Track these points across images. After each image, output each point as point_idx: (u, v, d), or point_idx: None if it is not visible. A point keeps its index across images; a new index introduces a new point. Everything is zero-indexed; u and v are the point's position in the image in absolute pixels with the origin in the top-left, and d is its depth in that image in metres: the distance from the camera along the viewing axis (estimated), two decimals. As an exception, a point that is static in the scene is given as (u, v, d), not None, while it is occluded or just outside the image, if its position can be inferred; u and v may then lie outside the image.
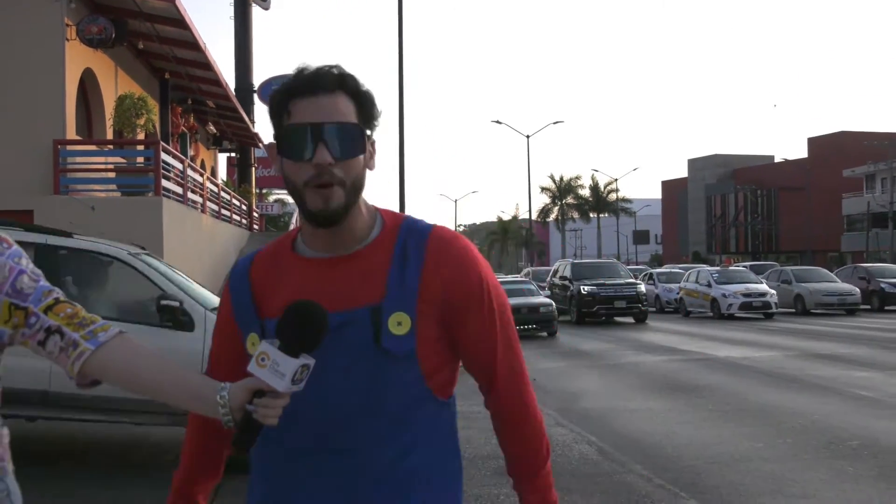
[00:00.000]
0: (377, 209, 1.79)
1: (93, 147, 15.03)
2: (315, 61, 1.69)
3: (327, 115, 1.63)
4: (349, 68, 1.72)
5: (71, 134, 13.84)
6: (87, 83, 15.22)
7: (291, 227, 22.32)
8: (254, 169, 27.96)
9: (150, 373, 1.66)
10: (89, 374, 1.68)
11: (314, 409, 1.66)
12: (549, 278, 28.83)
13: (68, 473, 6.58)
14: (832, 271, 32.38)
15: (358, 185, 1.68)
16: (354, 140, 1.66)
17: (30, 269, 1.71)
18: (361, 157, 1.68)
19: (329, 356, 1.64)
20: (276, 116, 1.68)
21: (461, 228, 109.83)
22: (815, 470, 6.68)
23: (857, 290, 28.05)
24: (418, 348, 1.68)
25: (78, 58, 14.06)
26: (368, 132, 1.70)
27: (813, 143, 74.74)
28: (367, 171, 1.72)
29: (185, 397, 1.63)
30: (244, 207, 24.74)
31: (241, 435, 1.55)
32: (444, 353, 1.74)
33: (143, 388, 1.68)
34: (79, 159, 14.19)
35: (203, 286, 7.48)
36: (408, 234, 1.74)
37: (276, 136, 1.69)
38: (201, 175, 18.04)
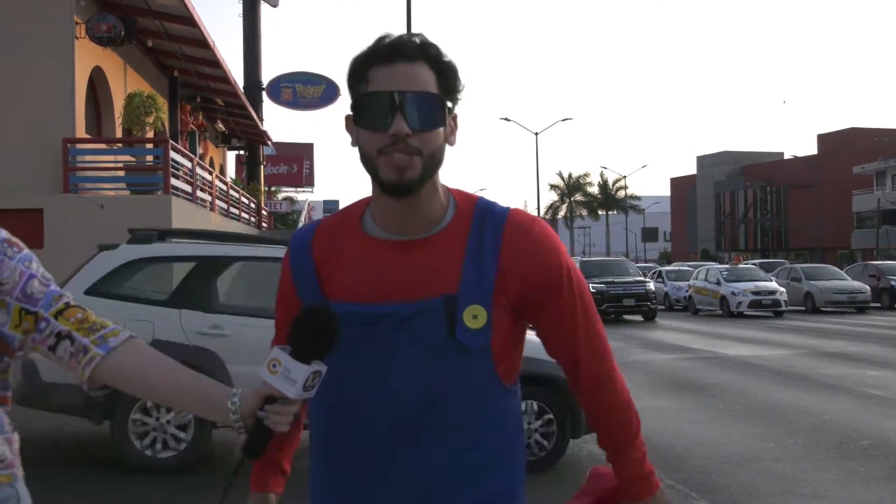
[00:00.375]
0: (449, 190, 1.72)
1: (102, 145, 15.07)
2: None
3: (406, 83, 1.56)
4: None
5: (80, 132, 13.88)
6: (97, 81, 15.26)
7: (300, 225, 22.35)
8: (262, 167, 28.01)
9: (161, 378, 1.65)
10: (100, 380, 1.67)
11: (382, 401, 1.63)
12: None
13: (80, 475, 6.59)
14: (842, 269, 32.29)
15: (437, 159, 1.60)
16: (434, 110, 1.58)
17: (40, 274, 1.70)
18: (441, 129, 1.60)
19: (399, 346, 1.61)
20: (353, 84, 1.62)
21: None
22: (826, 470, 6.65)
23: (868, 287, 27.98)
24: (492, 340, 1.63)
25: (87, 56, 14.10)
26: (450, 105, 1.62)
27: (823, 139, 74.49)
28: (448, 147, 1.64)
29: (195, 402, 1.62)
30: (253, 205, 24.78)
31: (252, 441, 1.54)
32: (513, 339, 1.70)
33: (154, 393, 1.68)
34: (88, 158, 14.23)
35: None
36: (483, 217, 1.66)
37: (352, 106, 1.62)
38: (210, 173, 18.07)
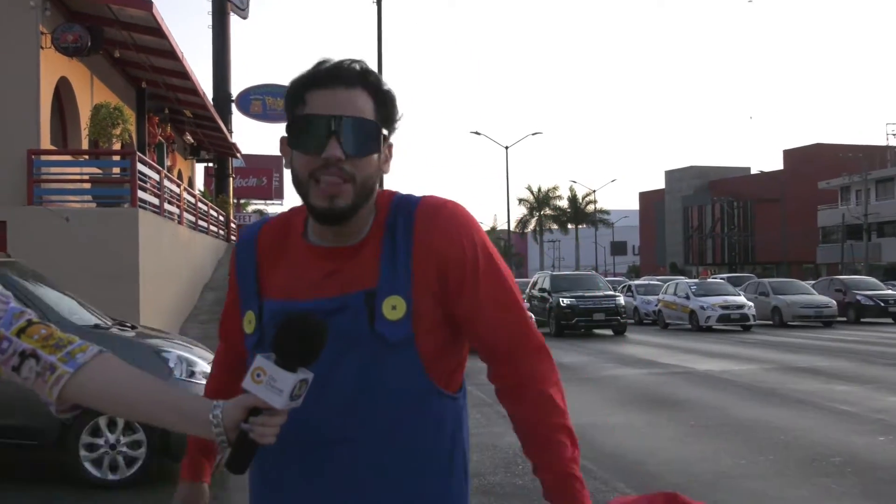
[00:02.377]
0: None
1: (67, 157, 14.81)
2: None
3: (344, 108, 1.56)
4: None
5: (45, 144, 13.64)
6: (63, 92, 15.03)
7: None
8: (231, 179, 27.79)
9: (136, 393, 1.57)
10: (69, 399, 1.58)
11: (309, 398, 1.55)
12: (527, 290, 28.76)
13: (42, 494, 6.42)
14: (808, 283, 32.59)
15: (369, 186, 1.60)
16: (369, 137, 1.58)
17: (-3, 292, 1.61)
18: (375, 156, 1.60)
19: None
20: (290, 106, 1.61)
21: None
22: (798, 487, 6.63)
23: (834, 302, 28.25)
24: (417, 334, 1.59)
25: (53, 66, 13.88)
26: (386, 133, 1.63)
27: (789, 155, 75.39)
28: (382, 175, 1.65)
29: (174, 417, 1.55)
30: (222, 218, 24.54)
31: (235, 455, 1.49)
32: (446, 338, 1.66)
33: (129, 409, 1.60)
34: (53, 170, 13.98)
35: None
36: (397, 210, 1.66)
37: (287, 127, 1.61)
38: (178, 185, 17.86)
